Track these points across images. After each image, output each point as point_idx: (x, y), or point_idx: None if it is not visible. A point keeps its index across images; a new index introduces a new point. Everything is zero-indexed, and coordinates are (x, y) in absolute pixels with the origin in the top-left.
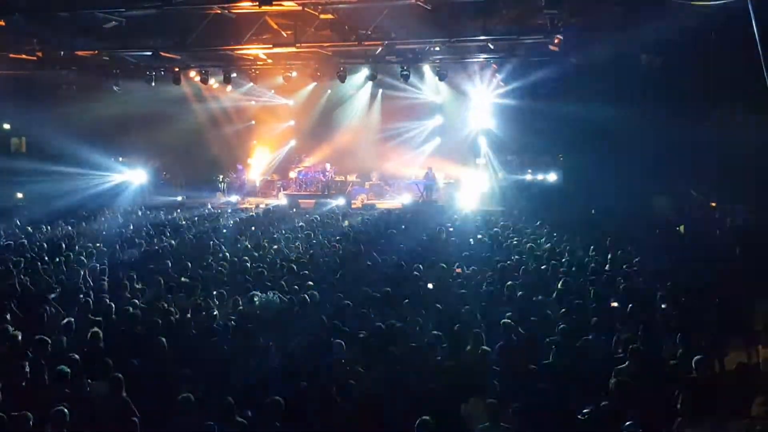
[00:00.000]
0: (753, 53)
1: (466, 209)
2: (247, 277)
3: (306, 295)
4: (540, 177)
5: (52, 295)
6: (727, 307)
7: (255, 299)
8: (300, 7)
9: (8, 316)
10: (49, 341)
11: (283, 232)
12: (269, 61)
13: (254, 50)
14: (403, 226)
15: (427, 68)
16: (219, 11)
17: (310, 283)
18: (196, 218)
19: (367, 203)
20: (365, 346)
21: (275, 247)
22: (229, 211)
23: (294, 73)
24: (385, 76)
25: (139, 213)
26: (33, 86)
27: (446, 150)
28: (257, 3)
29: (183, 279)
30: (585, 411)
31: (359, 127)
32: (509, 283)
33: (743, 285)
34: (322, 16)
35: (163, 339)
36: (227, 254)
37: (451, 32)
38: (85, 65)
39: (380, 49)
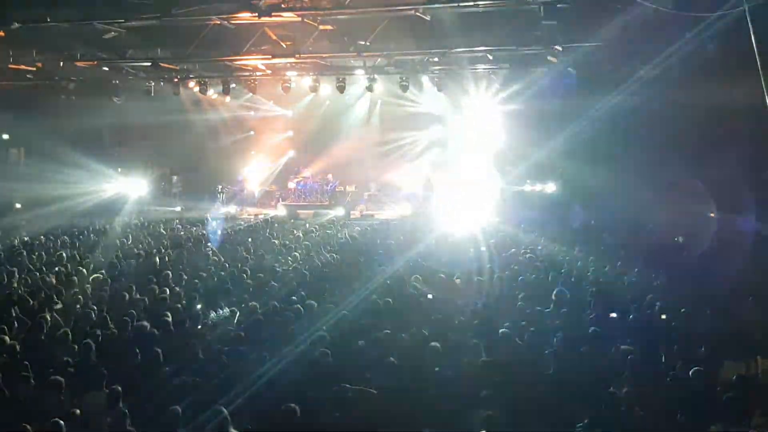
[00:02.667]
0: (751, 64)
1: (465, 219)
2: (246, 287)
3: (302, 306)
4: (539, 187)
5: (55, 307)
6: (726, 317)
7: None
8: (299, 19)
9: (6, 327)
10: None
11: (282, 242)
12: (268, 71)
13: (253, 61)
14: (402, 237)
15: (425, 79)
16: (218, 22)
17: (303, 293)
18: (194, 229)
19: (366, 213)
20: (363, 357)
21: (273, 257)
22: (228, 221)
23: (293, 84)
24: (384, 86)
25: (138, 223)
26: (32, 97)
27: (445, 160)
28: (256, 14)
29: (181, 289)
30: (580, 425)
31: (358, 138)
32: (508, 293)
33: (742, 295)
34: (322, 27)
35: (160, 350)
36: (226, 264)
37: (450, 43)
38: (84, 76)
39: (379, 59)
